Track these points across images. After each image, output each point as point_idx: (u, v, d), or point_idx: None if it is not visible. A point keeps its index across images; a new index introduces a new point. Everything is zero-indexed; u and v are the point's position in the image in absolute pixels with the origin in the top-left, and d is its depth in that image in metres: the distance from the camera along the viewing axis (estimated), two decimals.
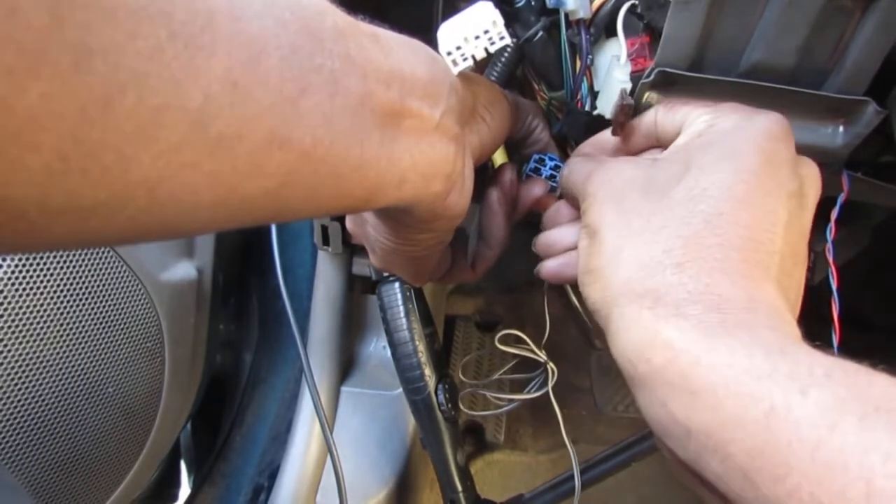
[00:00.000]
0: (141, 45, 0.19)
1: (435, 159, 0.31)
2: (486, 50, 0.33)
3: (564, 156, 0.44)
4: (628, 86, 0.36)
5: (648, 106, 0.36)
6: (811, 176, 0.31)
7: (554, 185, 0.42)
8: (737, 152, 0.29)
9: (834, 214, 0.37)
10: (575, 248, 0.37)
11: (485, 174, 0.42)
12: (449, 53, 0.33)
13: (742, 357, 0.24)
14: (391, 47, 0.29)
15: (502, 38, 0.33)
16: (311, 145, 0.25)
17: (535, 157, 0.43)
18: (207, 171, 0.22)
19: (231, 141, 0.22)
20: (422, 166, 0.30)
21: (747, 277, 0.27)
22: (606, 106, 0.37)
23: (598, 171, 0.34)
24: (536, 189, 0.42)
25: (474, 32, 0.33)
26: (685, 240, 0.28)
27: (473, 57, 0.33)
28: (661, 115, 0.35)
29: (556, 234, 0.39)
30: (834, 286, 0.36)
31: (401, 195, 0.30)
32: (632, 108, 0.35)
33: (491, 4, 0.33)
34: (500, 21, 0.33)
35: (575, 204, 0.37)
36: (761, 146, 0.29)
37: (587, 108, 0.40)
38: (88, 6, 0.18)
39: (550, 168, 0.42)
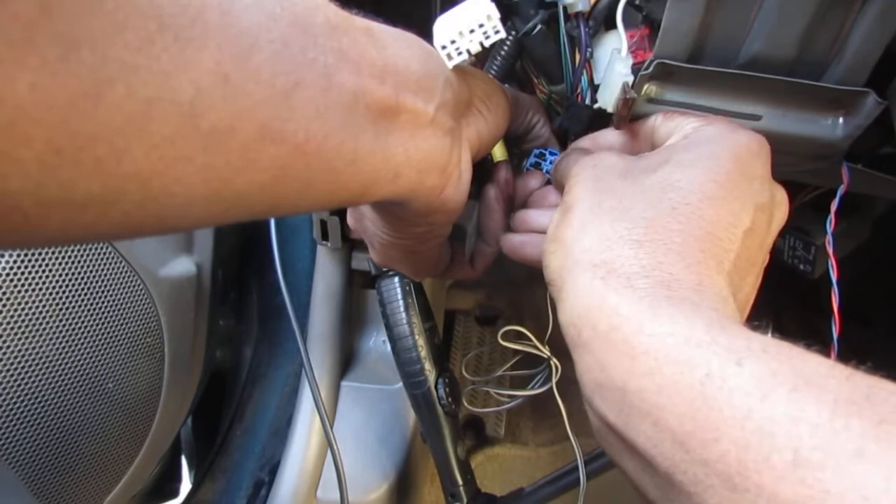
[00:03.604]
0: (129, 37, 0.19)
1: (430, 153, 0.31)
2: (480, 44, 0.33)
3: (565, 150, 0.44)
4: (630, 79, 0.36)
5: (647, 99, 0.36)
6: (781, 200, 0.33)
7: None
8: (714, 155, 0.30)
9: (834, 206, 0.37)
10: (544, 231, 0.38)
11: (484, 171, 0.42)
12: (444, 48, 0.33)
13: (683, 327, 0.24)
14: (385, 42, 0.29)
15: (497, 32, 0.33)
16: (305, 139, 0.25)
17: (536, 151, 0.43)
18: (200, 164, 0.22)
19: (223, 134, 0.22)
20: (416, 160, 0.30)
21: (701, 264, 0.28)
22: (608, 99, 0.37)
23: (585, 157, 0.35)
24: (533, 182, 0.42)
25: (469, 26, 0.32)
26: (649, 221, 0.28)
27: (468, 51, 0.33)
28: (660, 121, 0.36)
29: (534, 214, 0.40)
30: (834, 278, 0.36)
31: (396, 189, 0.31)
32: (634, 101, 0.35)
33: None
34: (496, 15, 0.33)
35: (562, 191, 0.37)
36: (739, 155, 0.31)
37: (587, 101, 0.40)
38: None
39: (551, 163, 0.42)
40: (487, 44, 0.33)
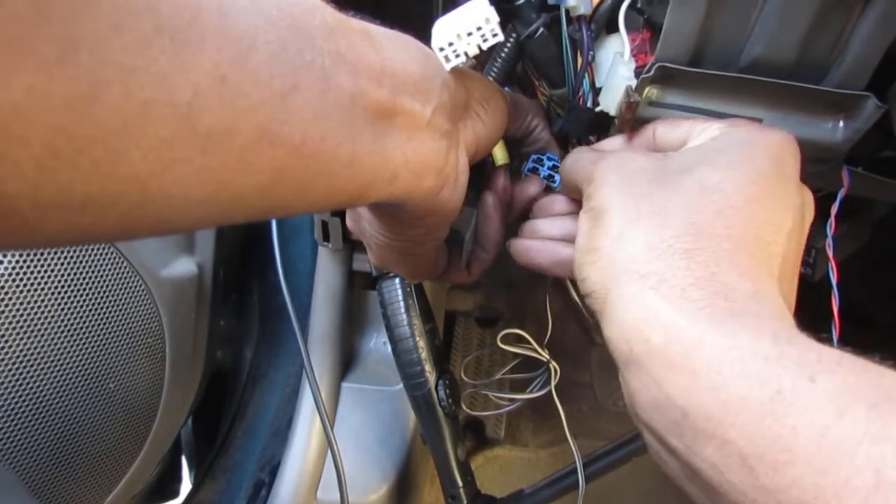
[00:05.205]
0: (126, 39, 0.19)
1: (426, 155, 0.31)
2: (478, 47, 0.33)
3: (566, 154, 0.44)
4: (633, 82, 0.36)
5: (648, 102, 0.36)
6: (810, 200, 0.32)
7: (551, 185, 0.42)
8: (752, 157, 0.29)
9: (834, 210, 0.37)
10: (556, 239, 0.38)
11: (482, 177, 0.42)
12: (441, 49, 0.33)
13: (748, 340, 0.23)
14: (382, 44, 0.29)
15: (495, 36, 0.33)
16: (302, 141, 0.25)
17: (534, 156, 0.43)
18: (198, 166, 0.22)
19: (221, 136, 0.22)
20: (413, 163, 0.30)
21: (753, 270, 0.27)
22: (610, 103, 0.37)
23: (607, 157, 0.34)
24: (532, 188, 0.42)
25: (467, 29, 0.32)
26: (696, 227, 0.27)
27: (466, 53, 0.33)
28: (661, 129, 0.35)
29: (542, 223, 0.39)
30: (834, 281, 0.36)
31: (393, 190, 0.31)
32: (637, 104, 0.35)
33: (486, 1, 0.33)
34: (494, 18, 0.33)
35: (574, 193, 0.37)
36: (775, 156, 0.30)
37: (589, 104, 0.40)
38: None
39: (549, 168, 0.42)
40: (485, 47, 0.33)
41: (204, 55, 0.21)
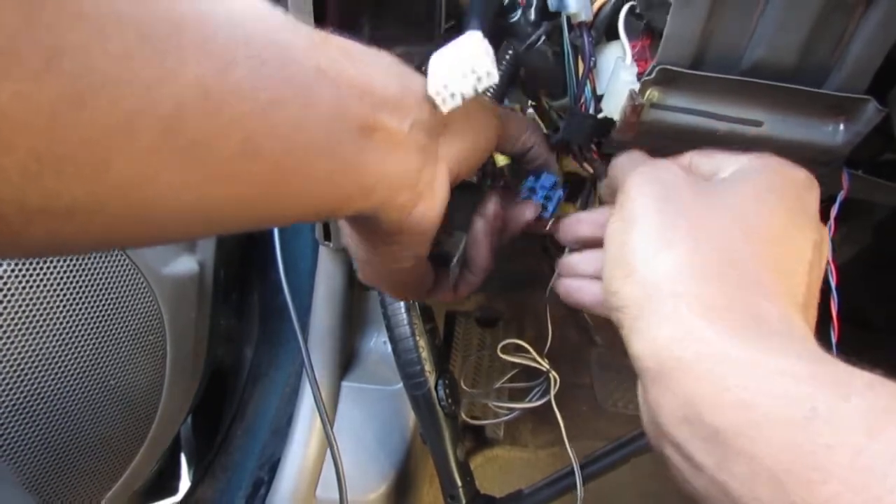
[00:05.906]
0: (111, 49, 0.19)
1: (401, 171, 0.31)
2: (474, 89, 0.32)
3: (567, 156, 0.44)
4: (636, 86, 0.36)
5: (650, 105, 0.36)
6: (826, 236, 0.33)
7: (542, 215, 0.42)
8: (778, 189, 0.30)
9: (834, 212, 0.37)
10: (594, 277, 0.38)
11: (474, 200, 0.41)
12: (438, 94, 0.31)
13: (780, 359, 0.23)
14: (362, 60, 0.29)
15: (489, 76, 0.32)
16: (283, 155, 0.25)
17: (528, 184, 0.42)
18: (180, 177, 0.22)
19: (203, 148, 0.22)
20: (390, 178, 0.31)
21: (781, 298, 0.27)
22: (613, 108, 0.37)
23: (648, 165, 0.33)
24: (528, 213, 0.42)
25: (462, 72, 0.31)
26: (730, 254, 0.28)
27: (462, 95, 0.32)
28: (697, 158, 0.35)
29: (579, 261, 0.39)
30: (833, 284, 0.36)
31: (367, 204, 0.31)
32: (642, 108, 0.35)
33: (479, 35, 0.32)
34: (490, 57, 0.31)
35: (612, 199, 0.36)
36: (798, 193, 0.31)
37: (591, 111, 0.40)
38: (59, 8, 0.18)
39: (542, 197, 0.42)
40: (481, 89, 0.32)
41: (187, 67, 0.21)
